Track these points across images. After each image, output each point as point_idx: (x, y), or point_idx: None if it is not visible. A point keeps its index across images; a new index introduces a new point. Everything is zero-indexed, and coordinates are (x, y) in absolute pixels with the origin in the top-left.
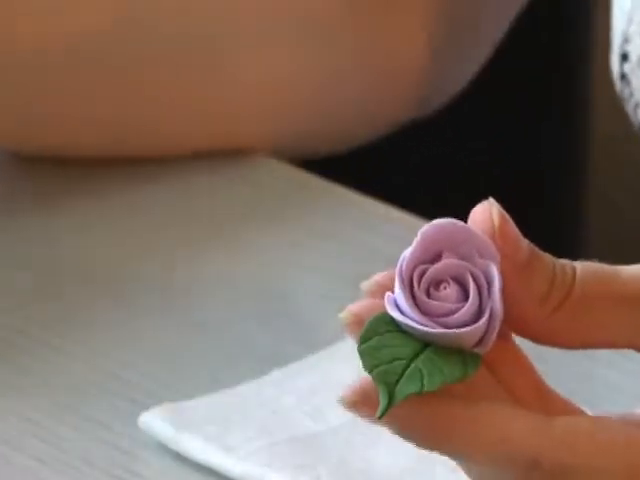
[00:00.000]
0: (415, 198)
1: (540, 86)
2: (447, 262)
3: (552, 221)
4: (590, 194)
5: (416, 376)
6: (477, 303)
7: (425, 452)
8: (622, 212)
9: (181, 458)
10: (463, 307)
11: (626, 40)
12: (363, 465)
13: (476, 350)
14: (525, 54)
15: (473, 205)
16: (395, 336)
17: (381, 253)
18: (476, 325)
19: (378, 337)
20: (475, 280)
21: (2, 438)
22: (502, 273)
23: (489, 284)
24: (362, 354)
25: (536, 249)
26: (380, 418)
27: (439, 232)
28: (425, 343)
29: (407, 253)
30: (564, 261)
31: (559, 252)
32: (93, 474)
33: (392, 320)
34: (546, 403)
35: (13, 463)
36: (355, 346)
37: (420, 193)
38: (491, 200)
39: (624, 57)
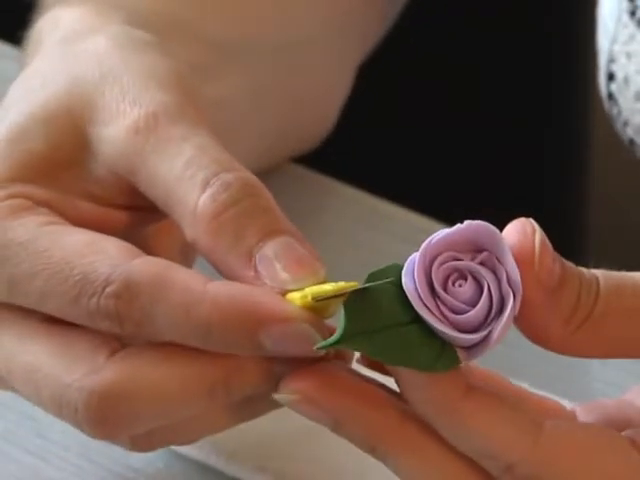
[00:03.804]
0: (415, 196)
1: (542, 90)
2: (475, 265)
3: (553, 221)
4: (592, 195)
5: (380, 342)
6: (483, 317)
7: None
8: (624, 213)
9: (180, 456)
10: (465, 315)
11: (611, 60)
12: (357, 459)
13: (458, 354)
14: (527, 58)
15: (476, 205)
16: (395, 294)
17: (386, 252)
18: (466, 337)
19: (381, 286)
20: (490, 296)
21: (3, 435)
22: (529, 297)
23: (501, 306)
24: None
25: (567, 267)
26: (317, 349)
27: (483, 233)
28: (416, 317)
29: (441, 233)
30: (588, 273)
31: (560, 253)
32: (93, 471)
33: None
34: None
35: (14, 460)
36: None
37: (423, 194)
38: (532, 221)
39: (610, 77)
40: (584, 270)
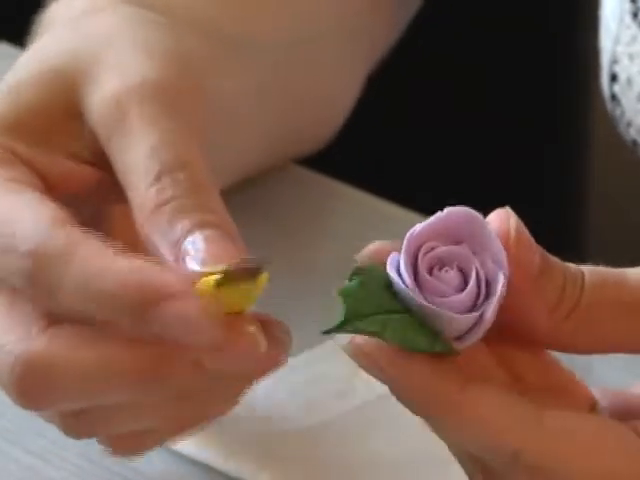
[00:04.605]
0: (417, 197)
1: (543, 90)
2: (459, 249)
3: (553, 221)
4: (592, 195)
5: (380, 323)
6: (472, 300)
7: (420, 445)
8: (624, 213)
9: (180, 455)
10: (456, 295)
11: (614, 61)
12: (355, 458)
13: (453, 343)
14: (531, 58)
15: (476, 205)
16: (384, 290)
17: None
18: (461, 316)
19: (372, 279)
20: (478, 279)
21: (3, 435)
22: (513, 284)
23: (489, 290)
24: (347, 288)
25: (549, 258)
26: (324, 333)
27: (464, 219)
28: (407, 310)
29: (423, 223)
30: (573, 267)
31: (560, 253)
32: (93, 471)
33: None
34: (549, 380)
35: (14, 459)
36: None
37: (422, 193)
38: (508, 209)
39: (613, 78)
40: (570, 265)
